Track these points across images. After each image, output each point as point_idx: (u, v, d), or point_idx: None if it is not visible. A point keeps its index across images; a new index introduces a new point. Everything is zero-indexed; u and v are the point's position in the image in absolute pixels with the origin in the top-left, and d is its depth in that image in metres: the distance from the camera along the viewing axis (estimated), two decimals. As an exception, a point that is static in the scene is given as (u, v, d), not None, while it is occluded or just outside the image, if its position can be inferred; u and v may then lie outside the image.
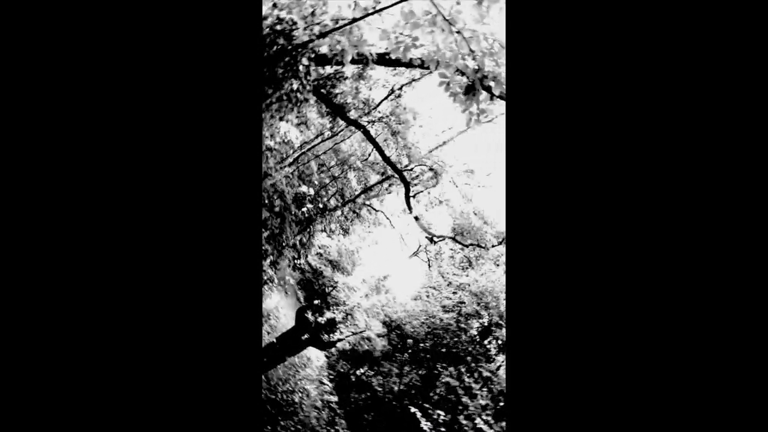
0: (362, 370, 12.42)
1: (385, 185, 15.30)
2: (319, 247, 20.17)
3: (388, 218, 21.69)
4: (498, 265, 12.55)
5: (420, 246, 13.12)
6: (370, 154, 12.35)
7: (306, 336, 6.46)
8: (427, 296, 13.30)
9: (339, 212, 15.06)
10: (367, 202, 16.50)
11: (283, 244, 11.36)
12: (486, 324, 10.95)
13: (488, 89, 3.60)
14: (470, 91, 3.57)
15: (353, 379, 12.26)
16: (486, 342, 11.09)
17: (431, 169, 11.03)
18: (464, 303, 11.58)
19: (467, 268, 13.19)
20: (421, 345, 11.67)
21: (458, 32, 3.43)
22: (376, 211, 19.72)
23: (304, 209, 10.26)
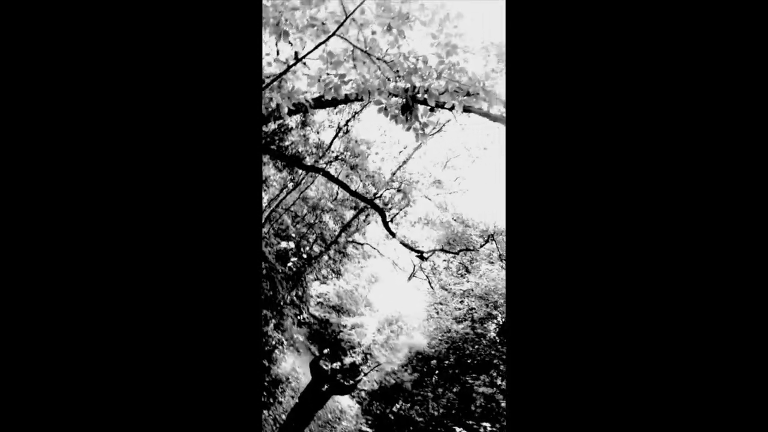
0: (398, 406, 12.07)
1: (362, 217, 15.30)
2: (317, 296, 19.84)
3: (374, 248, 21.63)
4: (492, 262, 12.58)
5: (414, 266, 13.07)
6: (337, 193, 12.39)
7: (326, 386, 6.25)
8: (437, 313, 13.18)
9: (325, 257, 14.92)
10: (350, 239, 16.44)
11: (281, 303, 11.13)
12: (501, 323, 10.86)
13: (424, 102, 3.69)
14: (407, 109, 3.65)
15: (392, 417, 11.89)
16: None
17: (399, 190, 11.13)
18: (474, 309, 11.51)
19: (465, 273, 13.16)
20: (446, 362, 11.47)
21: (379, 59, 3.53)
22: (361, 244, 19.65)
23: (290, 264, 10.13)
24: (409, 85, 3.54)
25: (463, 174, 15.69)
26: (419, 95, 3.59)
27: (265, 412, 7.53)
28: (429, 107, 3.78)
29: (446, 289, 13.55)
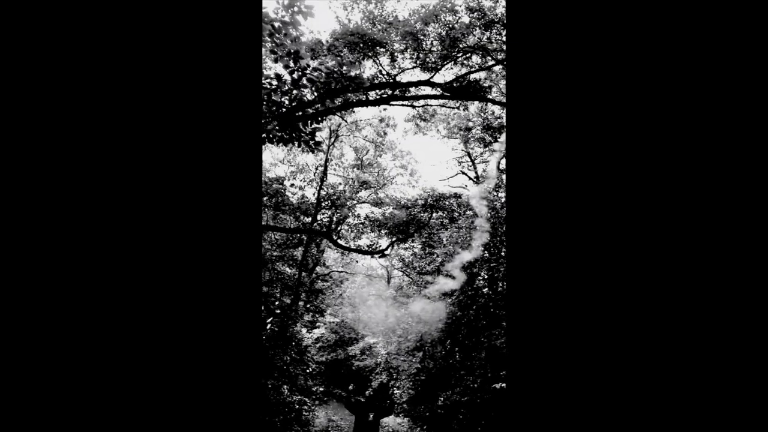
0: (441, 398, 12.13)
1: (313, 250, 15.14)
2: (315, 343, 19.38)
3: (342, 271, 21.47)
4: (446, 227, 12.92)
5: (388, 252, 13.03)
6: (276, 239, 12.16)
7: (370, 416, 6.22)
8: (428, 297, 13.34)
9: (300, 303, 14.59)
10: (314, 275, 16.20)
11: (285, 367, 10.73)
12: (475, 269, 11.21)
13: (302, 113, 3.77)
14: (286, 125, 3.69)
15: (441, 411, 11.92)
16: (498, 287, 11.37)
17: (332, 206, 11.15)
18: (441, 267, 11.76)
19: (431, 249, 13.39)
20: (462, 331, 11.66)
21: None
22: (327, 274, 19.43)
23: (269, 326, 9.82)
24: (276, 99, 3.58)
25: (382, 164, 16.00)
26: (292, 104, 3.65)
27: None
28: (310, 114, 3.86)
29: (424, 273, 13.76)
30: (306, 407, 11.50)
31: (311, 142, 3.76)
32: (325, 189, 12.24)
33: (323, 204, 10.87)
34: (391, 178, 16.45)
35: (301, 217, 10.89)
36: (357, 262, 20.95)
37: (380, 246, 12.26)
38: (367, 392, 5.59)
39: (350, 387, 6.20)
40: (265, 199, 9.37)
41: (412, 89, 9.48)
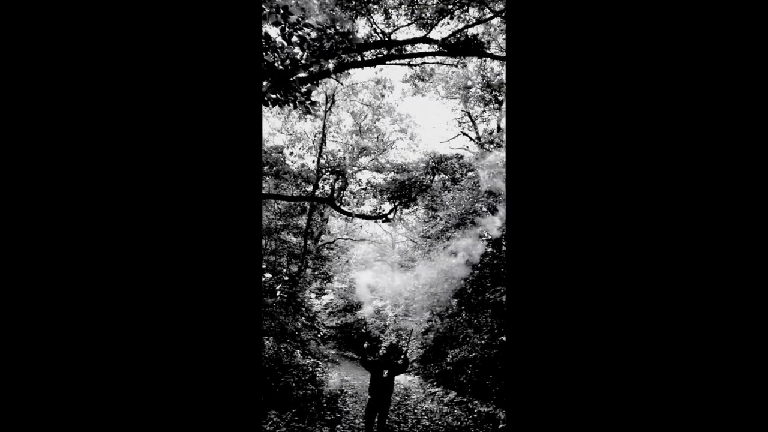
0: (451, 354, 12.50)
1: (317, 218, 15.21)
2: (325, 309, 19.81)
3: (346, 238, 21.66)
4: (449, 189, 12.87)
5: (392, 217, 13.07)
6: (281, 209, 12.20)
7: (385, 372, 6.46)
8: (431, 260, 13.50)
9: (308, 270, 14.82)
10: (320, 243, 16.37)
11: (294, 332, 11.06)
12: (478, 229, 11.25)
13: (292, 71, 3.67)
14: (279, 86, 3.61)
15: (450, 367, 12.32)
16: (501, 246, 11.45)
17: (333, 172, 11.09)
18: (444, 230, 11.81)
19: (433, 213, 13.39)
20: (470, 289, 11.86)
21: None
22: (332, 242, 19.62)
23: (279, 293, 10.02)
24: (268, 59, 3.49)
25: (381, 128, 15.78)
26: (285, 64, 3.56)
27: (339, 426, 7.63)
28: (304, 76, 3.77)
29: (428, 237, 13.85)
30: (319, 369, 11.91)
31: (307, 102, 3.69)
32: (325, 156, 12.16)
33: (324, 171, 10.81)
34: (391, 142, 16.27)
35: (303, 185, 10.86)
36: (361, 227, 21.14)
37: (383, 211, 12.27)
38: (379, 352, 5.83)
39: (365, 345, 6.45)
40: (265, 168, 9.34)
41: (409, 47, 9.21)
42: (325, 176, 11.42)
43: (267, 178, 9.87)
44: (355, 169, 13.21)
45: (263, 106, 3.60)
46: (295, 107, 3.65)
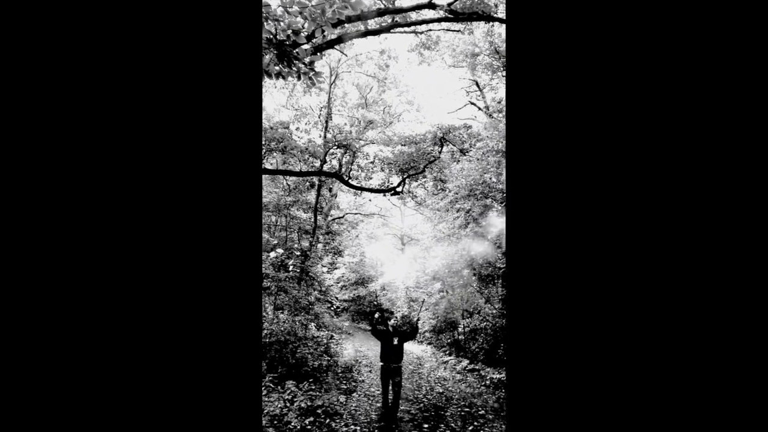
0: (462, 325, 12.67)
1: (326, 193, 15.24)
2: (336, 282, 20.10)
3: (356, 213, 21.72)
4: (458, 160, 12.71)
5: (400, 190, 13.02)
6: (289, 185, 12.22)
7: (395, 340, 6.64)
8: (441, 233, 13.50)
9: (320, 245, 14.95)
10: (330, 217, 16.46)
11: (307, 306, 11.28)
12: (487, 200, 11.18)
13: (294, 45, 3.59)
14: (283, 57, 3.55)
15: (461, 337, 12.51)
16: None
17: (340, 146, 11.01)
18: (453, 201, 11.74)
19: (442, 184, 13.29)
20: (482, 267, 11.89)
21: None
22: (341, 216, 19.70)
23: (291, 267, 10.17)
24: (269, 28, 3.41)
25: (387, 100, 15.53)
26: (287, 34, 3.48)
27: (354, 395, 7.87)
28: (306, 47, 3.69)
29: (437, 209, 13.79)
30: (334, 341, 12.22)
31: (311, 73, 3.63)
32: (331, 131, 12.05)
33: (331, 146, 10.73)
34: (398, 114, 16.04)
35: (311, 160, 10.81)
36: (370, 200, 21.17)
37: (392, 184, 12.21)
38: (390, 322, 5.98)
39: (375, 316, 6.64)
40: (272, 144, 9.30)
41: (414, 14, 8.94)
42: (332, 151, 11.36)
43: (274, 153, 9.85)
44: (362, 142, 13.09)
45: (267, 78, 3.55)
46: (299, 78, 3.59)
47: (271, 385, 6.97)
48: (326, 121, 11.92)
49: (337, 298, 20.11)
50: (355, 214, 22.08)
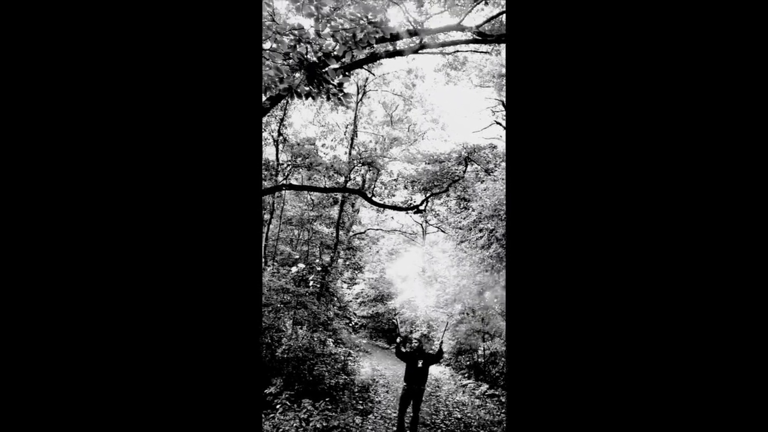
0: (482, 347, 12.38)
1: (349, 209, 15.30)
2: (356, 298, 20.01)
3: (377, 228, 21.71)
4: (482, 180, 12.60)
5: (423, 208, 12.93)
6: (313, 200, 12.33)
7: (419, 363, 6.53)
8: (464, 252, 13.30)
9: (340, 260, 14.94)
10: (351, 233, 16.48)
11: (326, 322, 11.21)
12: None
13: (323, 64, 3.66)
14: (313, 78, 3.60)
15: (482, 359, 12.20)
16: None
17: (364, 164, 11.08)
18: (493, 229, 11.59)
19: (465, 203, 13.16)
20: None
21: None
22: (363, 232, 19.73)
23: (311, 282, 10.17)
24: (301, 50, 3.47)
25: (412, 118, 15.63)
26: (318, 56, 3.55)
27: (371, 416, 7.72)
28: (336, 67, 3.74)
29: (460, 228, 13.63)
30: (351, 358, 12.09)
31: (340, 94, 3.67)
32: (356, 148, 12.15)
33: (355, 163, 10.82)
34: (422, 132, 16.08)
35: (335, 177, 10.92)
36: (392, 218, 21.15)
37: (414, 202, 12.17)
38: (412, 343, 5.79)
39: (397, 340, 6.53)
40: (298, 160, 9.44)
41: (441, 36, 9.02)
42: (356, 167, 11.43)
43: (300, 169, 9.99)
44: (387, 159, 13.14)
45: (297, 98, 3.61)
46: (328, 99, 3.65)
47: (287, 403, 6.91)
48: (352, 138, 12.05)
49: (355, 314, 19.97)
50: (377, 229, 22.04)
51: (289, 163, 9.55)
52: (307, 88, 3.50)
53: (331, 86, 3.58)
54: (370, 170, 11.43)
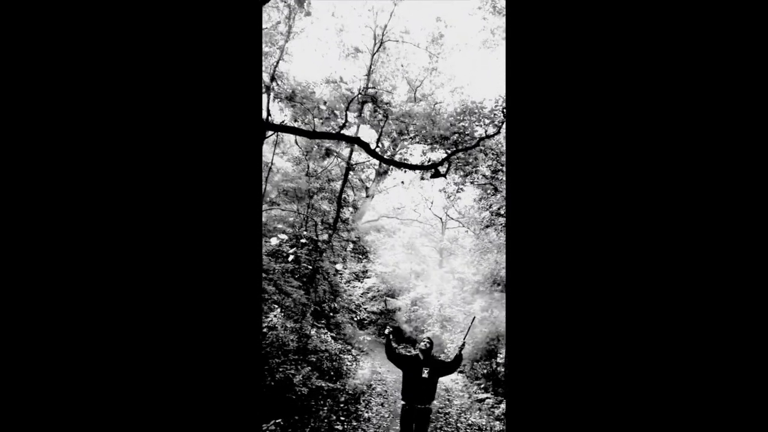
0: (500, 356, 10.48)
1: (350, 180, 13.43)
2: (367, 292, 18.21)
3: (389, 216, 19.92)
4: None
5: (443, 171, 10.19)
6: (306, 150, 10.45)
7: (425, 371, 4.41)
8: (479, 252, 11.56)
9: (335, 243, 13.02)
10: (360, 223, 14.57)
11: (329, 314, 9.50)
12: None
13: None
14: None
15: (498, 368, 10.28)
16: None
17: (368, 102, 8.77)
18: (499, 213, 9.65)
19: (491, 196, 11.13)
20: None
21: None
22: (376, 220, 17.91)
23: (290, 255, 8.18)
24: None
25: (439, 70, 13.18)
26: None
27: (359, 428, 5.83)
28: None
29: (481, 223, 11.87)
30: (350, 356, 10.24)
31: None
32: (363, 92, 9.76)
33: (360, 98, 8.34)
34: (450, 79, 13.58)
35: (333, 119, 8.54)
36: (414, 210, 19.41)
37: (435, 161, 9.50)
38: (421, 344, 4.12)
39: (386, 330, 4.59)
40: (293, 103, 7.50)
41: None
42: (356, 102, 8.88)
43: (285, 110, 8.01)
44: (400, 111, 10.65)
45: None
46: None
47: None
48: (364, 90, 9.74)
49: (365, 309, 18.18)
50: (392, 218, 20.24)
51: (279, 101, 7.52)
52: None
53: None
54: (375, 112, 8.85)
